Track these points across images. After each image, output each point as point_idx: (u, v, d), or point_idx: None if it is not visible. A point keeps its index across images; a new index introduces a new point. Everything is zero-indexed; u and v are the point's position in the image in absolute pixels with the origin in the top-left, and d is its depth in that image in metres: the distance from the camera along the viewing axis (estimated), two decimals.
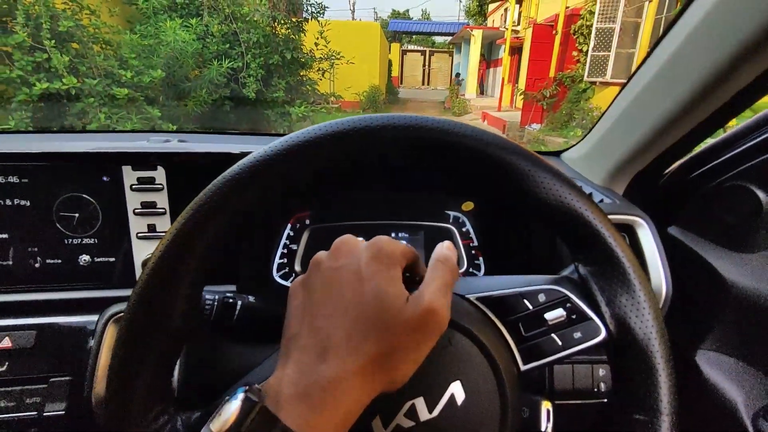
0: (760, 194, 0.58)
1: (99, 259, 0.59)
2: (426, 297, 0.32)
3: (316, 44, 5.68)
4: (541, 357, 0.39)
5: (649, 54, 0.62)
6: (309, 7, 5.90)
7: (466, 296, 0.41)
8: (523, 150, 0.36)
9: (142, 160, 0.57)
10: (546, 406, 0.43)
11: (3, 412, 0.51)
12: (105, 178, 0.57)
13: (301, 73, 5.77)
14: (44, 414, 0.51)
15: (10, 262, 0.57)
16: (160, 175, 0.58)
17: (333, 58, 5.92)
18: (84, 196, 0.57)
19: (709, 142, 0.65)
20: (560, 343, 0.38)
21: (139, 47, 3.94)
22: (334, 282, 0.32)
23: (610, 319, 0.37)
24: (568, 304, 0.39)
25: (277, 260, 0.77)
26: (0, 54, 3.03)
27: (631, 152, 0.67)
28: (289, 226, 0.77)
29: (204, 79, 4.37)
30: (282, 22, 5.34)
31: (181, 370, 0.56)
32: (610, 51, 7.37)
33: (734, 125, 0.63)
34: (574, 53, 8.19)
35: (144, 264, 0.60)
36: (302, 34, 5.73)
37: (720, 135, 0.64)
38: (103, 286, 0.59)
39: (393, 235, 0.80)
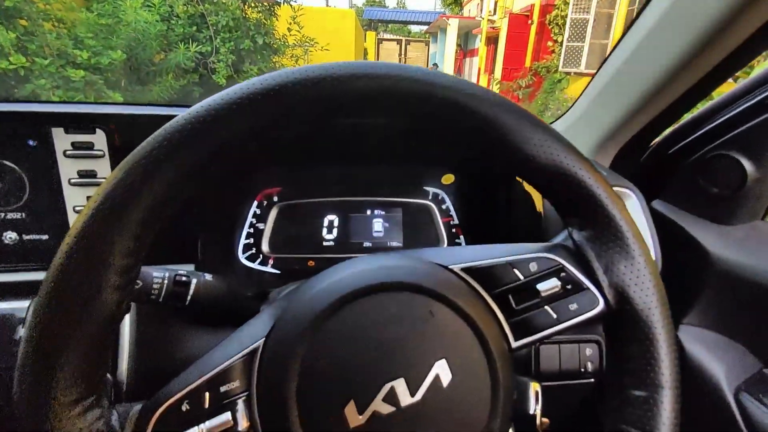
0: (745, 163, 0.56)
1: (28, 237, 0.51)
2: None
3: (289, 30, 5.52)
4: (534, 332, 0.35)
5: (631, 24, 0.59)
6: None
7: (449, 267, 0.36)
8: (516, 106, 0.32)
9: (76, 122, 0.50)
10: (534, 387, 0.40)
11: None
12: (31, 143, 0.49)
13: (274, 60, 5.60)
14: None
15: None
16: (99, 139, 0.50)
17: (307, 45, 5.77)
18: (6, 163, 0.49)
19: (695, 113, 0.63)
20: (555, 315, 0.35)
21: (97, 26, 3.69)
22: None
23: (608, 288, 0.33)
24: (563, 274, 0.35)
25: (242, 240, 0.71)
26: None
27: (615, 124, 0.64)
28: (255, 203, 0.71)
29: (170, 63, 4.16)
30: (252, 5, 5.14)
31: (130, 358, 0.50)
32: (584, 41, 7.50)
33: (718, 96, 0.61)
34: (549, 43, 8.30)
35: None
36: (274, 19, 5.55)
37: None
38: (35, 267, 0.52)
39: (369, 212, 0.75)
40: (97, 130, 0.50)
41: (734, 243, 0.57)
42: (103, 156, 0.51)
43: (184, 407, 0.31)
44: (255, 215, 0.71)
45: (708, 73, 0.53)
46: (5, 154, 0.49)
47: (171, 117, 0.52)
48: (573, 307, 0.34)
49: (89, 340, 0.27)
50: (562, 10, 7.86)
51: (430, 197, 0.76)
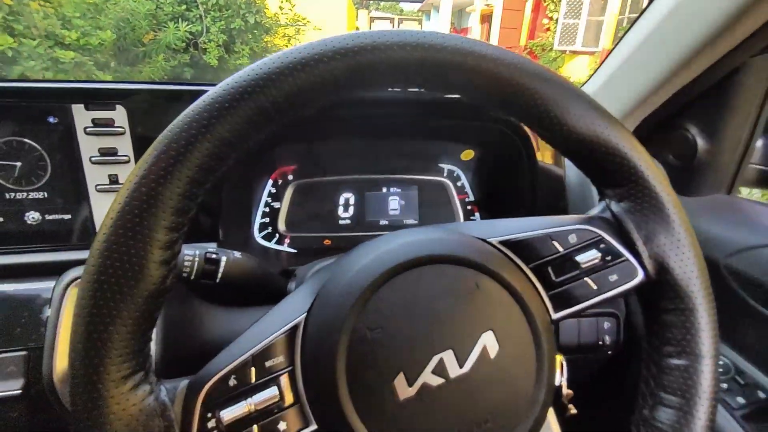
0: (697, 136, 0.57)
1: (51, 217, 0.50)
2: None
3: (281, 8, 5.40)
4: (575, 303, 0.35)
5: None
6: None
7: (488, 240, 0.36)
8: (555, 75, 0.31)
9: (97, 97, 0.48)
10: (559, 359, 0.40)
11: None
12: (51, 120, 0.48)
13: (266, 39, 5.47)
14: None
15: None
16: (120, 116, 0.49)
17: (299, 24, 5.65)
18: (27, 141, 0.48)
19: None
20: (595, 287, 0.35)
21: (84, 5, 3.57)
22: None
23: (648, 258, 0.34)
24: (602, 245, 0.35)
25: (258, 219, 0.70)
26: None
27: (636, 97, 0.64)
28: (270, 182, 0.70)
29: (160, 44, 4.06)
30: None
31: (158, 338, 0.50)
32: (580, 18, 7.40)
33: None
34: (545, 21, 8.18)
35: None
36: None
37: None
38: (59, 247, 0.51)
39: (385, 190, 0.75)
40: (118, 106, 0.49)
41: (689, 213, 0.59)
42: (123, 133, 0.50)
43: (231, 382, 0.31)
44: (270, 194, 0.71)
45: (743, 41, 0.52)
46: (25, 132, 0.48)
47: (193, 92, 0.52)
48: (613, 278, 0.35)
49: (137, 315, 0.27)
50: None
51: (445, 174, 0.76)
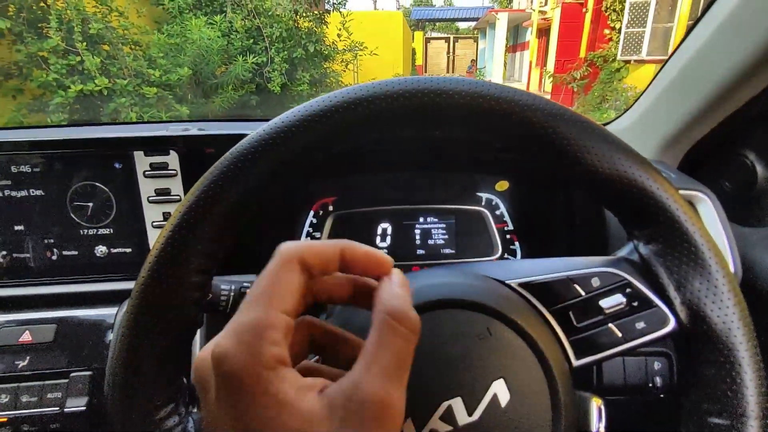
0: (756, 163, 0.52)
1: (115, 250, 0.57)
2: (366, 387, 0.19)
3: (339, 36, 5.67)
4: (598, 351, 0.33)
5: (705, 11, 0.55)
6: None
7: (506, 282, 0.35)
8: (573, 114, 0.31)
9: (153, 144, 0.55)
10: (596, 403, 0.38)
11: (26, 408, 0.50)
12: (117, 165, 0.55)
13: (325, 66, 5.77)
14: (65, 410, 0.50)
15: (28, 255, 0.56)
16: (173, 160, 0.55)
17: (356, 49, 5.89)
18: (97, 184, 0.55)
19: None
20: (620, 334, 0.33)
21: (167, 46, 4.01)
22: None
23: (681, 306, 0.31)
24: (628, 290, 0.33)
25: None
26: (36, 59, 3.14)
27: (686, 121, 0.60)
28: (311, 213, 0.74)
29: (230, 75, 4.43)
30: (304, 14, 5.34)
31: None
32: (645, 27, 6.99)
33: None
34: (606, 31, 7.82)
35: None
36: (324, 26, 5.73)
37: None
38: (121, 277, 0.58)
39: (422, 220, 0.75)
40: (171, 151, 0.55)
41: (750, 245, 0.53)
42: (176, 175, 0.56)
43: None
44: (312, 224, 0.74)
45: None
46: (96, 176, 0.55)
47: (232, 135, 0.56)
48: (640, 325, 0.32)
49: (168, 350, 0.30)
50: None
51: (483, 203, 0.75)
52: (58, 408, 0.50)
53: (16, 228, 0.55)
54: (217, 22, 4.40)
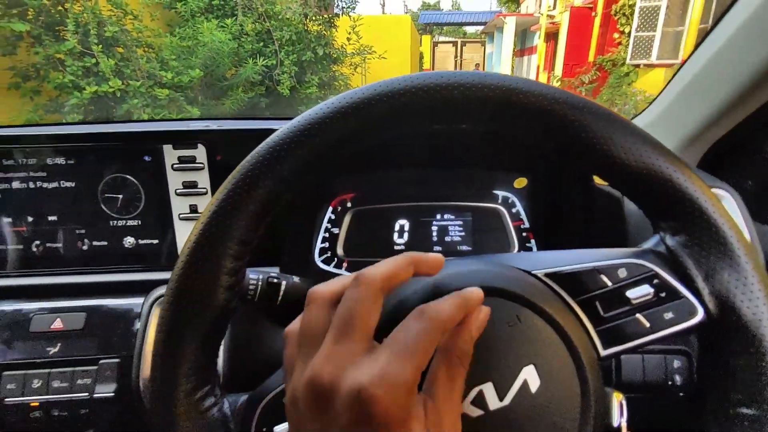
0: None
1: (143, 242, 0.59)
2: (448, 428, 0.25)
3: (348, 39, 5.70)
4: (625, 340, 0.33)
5: (730, 6, 0.55)
6: (340, 3, 5.93)
7: (532, 272, 0.36)
8: (598, 107, 0.31)
9: (183, 138, 0.56)
10: (618, 398, 0.38)
11: (57, 393, 0.51)
12: (147, 158, 0.56)
13: (334, 69, 5.80)
14: (95, 395, 0.51)
15: (60, 245, 0.57)
16: (200, 153, 0.57)
17: (365, 52, 5.91)
18: (127, 177, 0.57)
19: None
20: (648, 324, 0.33)
21: (179, 49, 4.07)
22: None
23: (709, 297, 0.31)
24: (656, 281, 0.33)
25: (318, 244, 0.75)
26: (53, 61, 3.20)
27: (706, 120, 0.60)
28: (330, 208, 0.75)
29: (240, 78, 4.47)
30: (313, 18, 5.38)
31: (225, 354, 0.55)
32: (655, 31, 6.95)
33: None
34: (615, 35, 7.78)
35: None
36: (334, 30, 5.76)
37: None
38: (149, 268, 0.59)
39: (439, 216, 0.76)
40: (199, 145, 0.56)
41: None
42: (203, 168, 0.57)
43: (285, 399, 0.34)
44: (330, 220, 0.75)
45: None
46: (126, 169, 0.57)
47: (257, 130, 0.57)
48: (668, 316, 0.33)
49: (205, 334, 0.31)
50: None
51: (500, 201, 0.76)
52: (87, 394, 0.51)
53: (50, 218, 0.57)
54: (228, 25, 4.44)
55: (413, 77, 0.31)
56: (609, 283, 0.34)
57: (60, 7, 3.29)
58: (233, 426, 0.33)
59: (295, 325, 0.28)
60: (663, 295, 0.33)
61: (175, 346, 0.30)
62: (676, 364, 0.59)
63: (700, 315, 0.32)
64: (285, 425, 0.32)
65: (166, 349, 0.31)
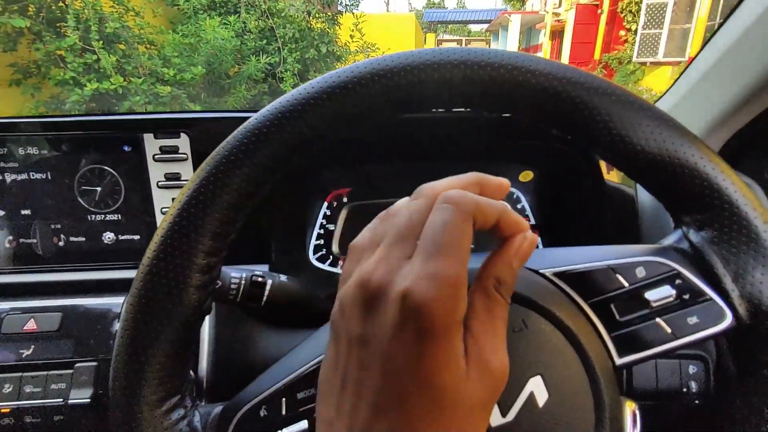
0: None
1: (123, 237, 0.55)
2: (488, 359, 0.21)
3: (352, 37, 5.69)
4: (644, 348, 0.30)
5: None
6: (343, 0, 5.91)
7: (539, 271, 0.32)
8: (618, 88, 0.28)
9: (164, 126, 0.53)
10: (630, 407, 0.35)
11: (30, 398, 0.48)
12: (126, 148, 0.53)
13: (337, 66, 5.79)
14: (69, 401, 0.48)
15: (35, 240, 0.54)
16: (183, 143, 0.53)
17: (368, 50, 5.89)
18: (106, 168, 0.53)
19: None
20: (669, 330, 0.30)
21: (181, 46, 4.06)
22: (363, 376, 0.21)
23: (739, 299, 0.28)
24: (678, 281, 0.30)
25: (313, 241, 0.71)
26: (54, 58, 3.20)
27: (729, 107, 0.56)
28: (325, 204, 0.72)
29: (243, 75, 4.45)
30: (317, 16, 5.37)
31: (209, 357, 0.52)
32: (662, 28, 6.89)
33: None
34: (622, 33, 7.74)
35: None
36: (337, 28, 5.76)
37: None
38: (129, 265, 0.56)
39: None
40: (182, 134, 0.53)
41: None
42: (186, 159, 0.54)
43: (262, 413, 0.30)
44: (325, 216, 0.72)
45: None
46: (105, 160, 0.53)
47: (244, 119, 0.54)
48: (692, 320, 0.29)
49: (174, 338, 0.28)
50: None
51: (504, 197, 0.72)
52: (62, 399, 0.48)
53: (23, 212, 0.53)
54: (231, 22, 4.43)
55: (417, 54, 0.28)
56: (625, 284, 0.30)
57: (60, 3, 3.29)
58: None
59: (363, 236, 0.25)
60: (686, 297, 0.29)
61: (139, 352, 0.27)
62: (692, 369, 0.55)
63: (728, 320, 0.28)
64: None
65: (128, 355, 0.27)
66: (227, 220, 0.27)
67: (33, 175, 0.53)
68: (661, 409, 0.54)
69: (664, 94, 0.65)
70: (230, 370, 0.52)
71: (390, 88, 0.27)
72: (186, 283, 0.27)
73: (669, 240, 0.33)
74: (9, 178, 0.53)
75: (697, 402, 0.55)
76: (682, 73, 0.62)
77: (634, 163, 0.28)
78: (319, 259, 0.71)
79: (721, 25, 0.55)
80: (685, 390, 0.54)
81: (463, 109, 0.30)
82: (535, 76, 0.27)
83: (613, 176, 0.61)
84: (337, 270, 0.71)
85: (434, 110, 0.30)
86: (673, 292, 0.30)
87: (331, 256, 0.72)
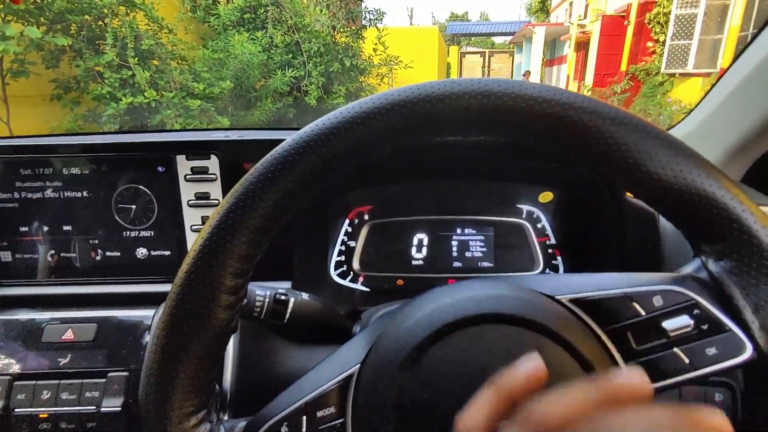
0: None
1: (155, 253, 0.58)
2: None
3: (375, 50, 5.76)
4: (661, 378, 0.30)
5: None
6: (367, 14, 6.00)
7: (555, 297, 0.33)
8: (634, 118, 0.28)
9: (196, 148, 0.55)
10: None
11: (65, 405, 0.51)
12: (160, 169, 0.56)
13: (360, 79, 5.86)
14: (102, 409, 0.50)
15: (74, 255, 0.57)
16: (213, 164, 0.56)
17: (391, 63, 5.95)
18: (141, 187, 0.56)
19: None
20: (687, 360, 0.29)
21: (211, 61, 4.20)
22: None
23: (760, 331, 0.27)
24: (696, 311, 0.30)
25: (334, 258, 0.73)
26: (93, 74, 3.36)
27: (752, 131, 0.55)
28: (347, 221, 0.73)
29: (269, 89, 4.56)
30: (341, 30, 5.47)
31: (233, 372, 0.54)
32: (692, 39, 6.70)
33: None
34: (649, 44, 7.56)
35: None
36: (361, 41, 5.84)
37: None
38: (160, 280, 0.58)
39: (459, 231, 0.73)
40: (212, 155, 0.56)
41: None
42: (215, 179, 0.56)
43: (284, 429, 0.31)
44: (347, 233, 0.73)
45: None
46: (140, 180, 0.56)
47: (272, 141, 0.56)
48: (711, 351, 0.29)
49: (203, 354, 0.29)
50: (664, 7, 7.13)
51: (524, 216, 0.72)
52: (94, 407, 0.51)
53: (65, 228, 0.57)
54: (258, 37, 4.56)
55: (441, 84, 0.29)
56: (642, 312, 0.31)
57: (100, 22, 3.46)
58: None
59: None
60: (705, 327, 0.29)
61: (170, 367, 0.29)
62: (718, 397, 0.53)
63: (748, 352, 0.28)
64: None
65: (160, 370, 0.29)
66: (254, 243, 0.29)
67: (74, 194, 0.56)
68: None
69: (688, 115, 0.64)
70: (254, 385, 0.53)
71: (408, 118, 0.29)
72: (215, 303, 0.28)
73: (687, 269, 0.33)
74: (52, 196, 0.56)
75: None
76: (702, 99, 0.61)
77: (652, 192, 0.28)
78: (340, 275, 0.73)
79: (743, 50, 0.55)
80: None
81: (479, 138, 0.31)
82: (551, 105, 0.27)
83: (636, 198, 0.60)
84: (357, 286, 0.72)
85: (451, 138, 0.31)
86: (692, 322, 0.29)
87: (351, 273, 0.73)
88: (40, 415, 0.50)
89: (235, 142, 0.57)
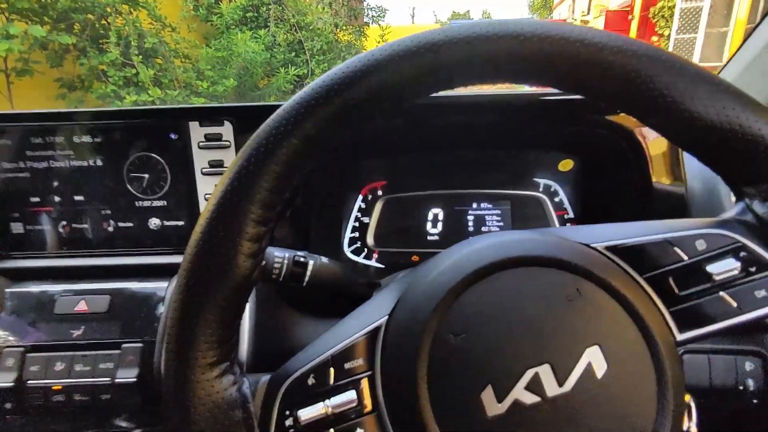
0: None
1: (169, 223, 0.57)
2: None
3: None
4: (707, 323, 0.29)
5: None
6: (369, 12, 6.02)
7: (591, 245, 0.31)
8: (672, 55, 0.26)
9: (209, 114, 0.54)
10: (687, 398, 0.33)
11: (79, 377, 0.50)
12: (173, 136, 0.55)
13: None
14: (116, 380, 0.49)
15: (87, 226, 0.57)
16: (227, 131, 0.55)
17: None
18: (153, 155, 0.55)
19: None
20: (735, 304, 0.28)
21: (214, 59, 4.21)
22: None
23: None
24: (743, 253, 0.28)
25: (348, 234, 0.72)
26: (97, 72, 3.37)
27: None
28: (360, 197, 0.72)
29: (272, 87, 4.57)
30: (344, 28, 5.48)
31: (249, 338, 0.53)
32: (697, 32, 6.67)
33: None
34: (654, 39, 7.54)
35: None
36: (363, 39, 5.85)
37: None
38: (174, 251, 0.57)
39: (475, 205, 0.71)
40: (225, 122, 0.54)
41: None
42: (229, 146, 0.55)
43: (310, 381, 0.30)
44: (360, 209, 0.72)
45: None
46: (152, 148, 0.55)
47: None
48: (761, 293, 0.28)
49: (224, 305, 0.28)
50: (669, 1, 7.10)
51: (541, 189, 0.71)
52: (109, 378, 0.50)
53: (76, 198, 0.56)
54: (261, 36, 4.56)
55: (461, 26, 0.27)
56: (684, 257, 0.29)
57: (104, 21, 3.47)
58: (253, 408, 0.30)
59: None
60: (753, 269, 0.28)
61: (192, 315, 0.28)
62: (749, 366, 0.52)
63: None
64: (309, 409, 0.29)
65: (182, 318, 0.28)
66: (275, 189, 0.28)
67: (85, 163, 0.55)
68: (714, 408, 0.51)
69: (728, 63, 0.62)
70: (268, 351, 0.52)
71: (434, 62, 0.27)
72: (237, 250, 0.27)
73: (731, 213, 0.32)
74: (64, 165, 0.55)
75: (755, 402, 0.51)
76: (743, 41, 0.59)
77: (690, 132, 0.27)
78: (353, 252, 0.71)
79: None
80: (741, 388, 0.51)
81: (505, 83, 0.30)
82: (585, 45, 0.26)
83: (661, 178, 0.58)
84: (372, 263, 0.71)
85: (477, 84, 0.29)
86: (738, 264, 0.28)
87: (366, 249, 0.72)
88: (54, 387, 0.49)
89: (249, 107, 0.56)
